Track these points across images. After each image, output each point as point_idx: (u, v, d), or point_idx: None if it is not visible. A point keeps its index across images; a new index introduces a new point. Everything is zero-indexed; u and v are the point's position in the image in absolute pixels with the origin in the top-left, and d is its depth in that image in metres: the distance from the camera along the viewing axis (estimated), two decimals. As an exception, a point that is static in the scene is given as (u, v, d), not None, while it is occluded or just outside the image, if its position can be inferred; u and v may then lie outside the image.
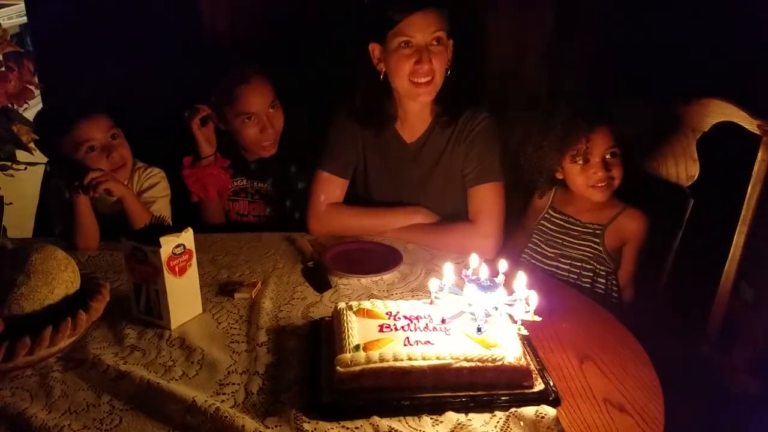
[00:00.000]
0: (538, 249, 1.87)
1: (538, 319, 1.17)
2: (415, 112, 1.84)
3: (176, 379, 1.17)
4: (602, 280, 1.80)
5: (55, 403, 1.12)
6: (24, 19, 4.09)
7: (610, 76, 2.09)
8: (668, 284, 1.83)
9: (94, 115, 1.74)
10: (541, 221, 1.89)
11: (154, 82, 2.04)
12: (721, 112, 1.72)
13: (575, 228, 1.83)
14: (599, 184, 1.75)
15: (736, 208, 1.66)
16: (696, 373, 1.62)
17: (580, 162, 1.75)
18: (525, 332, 1.18)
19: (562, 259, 1.83)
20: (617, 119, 1.75)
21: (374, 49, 1.77)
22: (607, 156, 1.73)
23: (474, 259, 1.28)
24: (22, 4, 4.33)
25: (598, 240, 1.79)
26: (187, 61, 2.07)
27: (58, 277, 1.20)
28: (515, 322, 1.18)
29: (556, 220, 1.86)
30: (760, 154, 1.61)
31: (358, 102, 1.85)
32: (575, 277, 1.80)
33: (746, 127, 1.63)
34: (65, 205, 1.73)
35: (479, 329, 1.16)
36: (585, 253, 1.80)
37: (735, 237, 1.66)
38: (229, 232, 1.87)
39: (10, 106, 1.17)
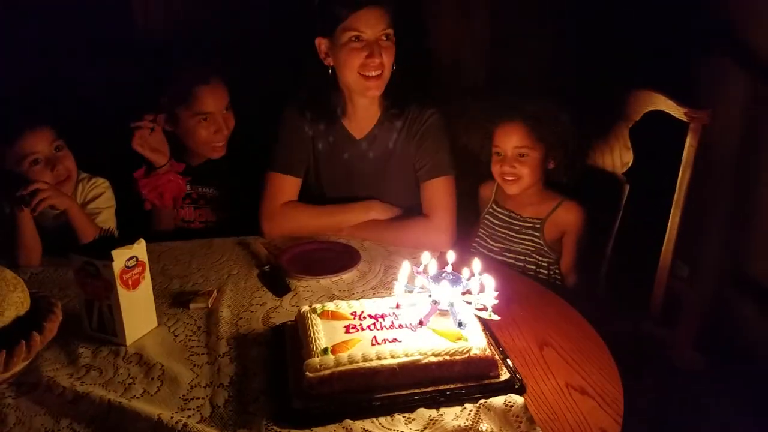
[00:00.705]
0: (484, 243, 1.92)
1: (496, 318, 1.21)
2: (364, 107, 1.85)
3: (137, 397, 1.14)
4: (545, 271, 1.86)
5: (12, 431, 1.07)
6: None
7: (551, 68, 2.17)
8: (610, 267, 1.92)
9: (38, 127, 1.66)
10: (486, 216, 1.95)
11: (90, 87, 1.97)
12: (651, 101, 1.81)
13: (517, 222, 1.88)
14: (507, 178, 1.82)
15: (669, 191, 1.76)
16: (644, 350, 1.70)
17: (497, 152, 1.82)
18: (496, 317, 1.21)
19: (507, 253, 1.88)
20: (532, 118, 1.80)
21: (321, 43, 1.77)
22: (517, 154, 1.79)
23: (425, 257, 1.29)
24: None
25: (538, 234, 1.85)
26: (121, 63, 2.00)
27: (8, 298, 1.14)
28: (485, 309, 1.20)
29: (500, 215, 1.91)
30: (688, 140, 1.70)
31: (305, 98, 1.84)
32: (519, 269, 1.85)
33: (674, 115, 1.72)
34: (4, 221, 1.64)
35: (460, 324, 1.18)
36: (527, 247, 1.86)
37: (670, 219, 1.75)
38: (176, 240, 1.82)
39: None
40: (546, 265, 1.85)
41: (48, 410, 1.11)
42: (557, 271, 1.86)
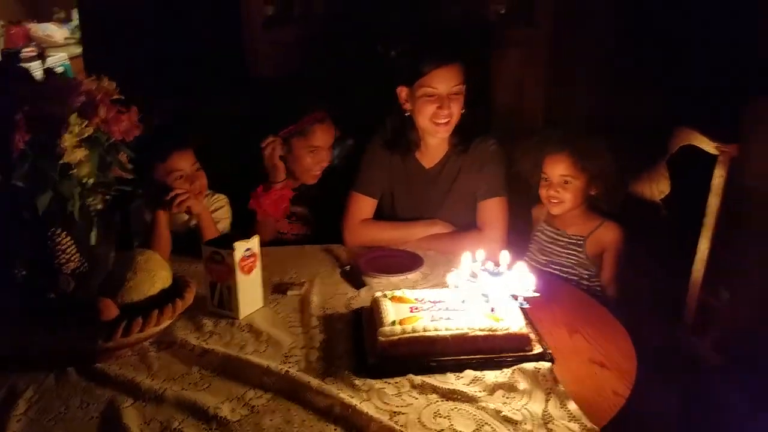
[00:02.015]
0: (533, 256, 2.20)
1: (536, 294, 1.47)
2: (435, 144, 2.18)
3: (250, 354, 1.48)
4: (585, 282, 2.11)
5: (156, 373, 1.42)
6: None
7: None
8: (650, 284, 2.14)
9: (184, 149, 2.08)
10: (536, 233, 2.23)
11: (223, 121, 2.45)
12: (685, 137, 2.06)
13: (562, 239, 2.15)
14: (552, 201, 2.10)
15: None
16: (670, 350, 1.92)
17: (545, 178, 2.11)
18: (537, 294, 1.46)
19: (552, 265, 2.14)
20: (578, 151, 2.07)
21: (402, 91, 2.11)
22: (562, 180, 2.08)
23: (480, 253, 1.57)
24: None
25: (580, 249, 2.11)
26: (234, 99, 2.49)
27: (158, 274, 1.51)
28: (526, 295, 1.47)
29: (548, 233, 2.19)
30: (717, 171, 1.93)
31: (387, 134, 2.20)
32: (562, 280, 2.09)
33: (705, 149, 1.97)
34: (144, 224, 2.06)
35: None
36: (571, 260, 2.12)
37: (700, 241, 1.97)
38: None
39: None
40: (587, 277, 2.11)
41: (182, 360, 1.47)
42: (597, 283, 2.11)
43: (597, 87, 2.56)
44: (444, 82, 2.02)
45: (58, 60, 4.89)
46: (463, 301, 1.53)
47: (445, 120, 2.06)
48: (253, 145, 2.23)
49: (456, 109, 2.06)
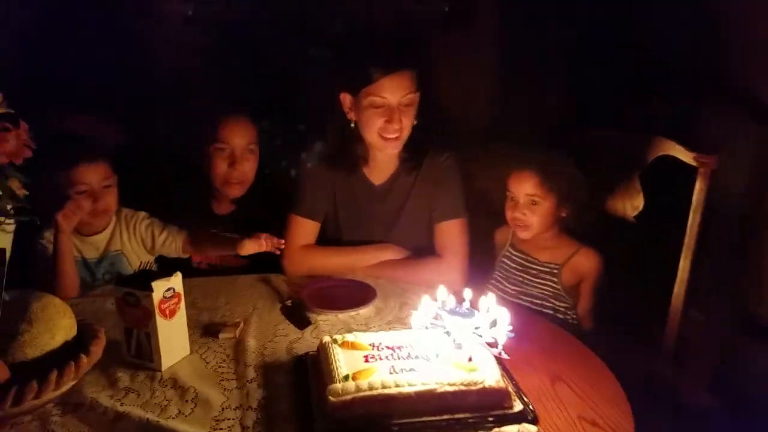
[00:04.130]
0: (500, 286, 1.97)
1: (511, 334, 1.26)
2: (383, 159, 1.95)
3: (173, 418, 1.22)
4: (561, 316, 1.90)
5: (59, 444, 1.15)
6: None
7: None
8: (624, 308, 1.97)
9: (95, 161, 1.81)
10: (502, 258, 2.00)
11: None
12: (661, 147, 1.89)
13: (534, 266, 1.93)
14: (518, 223, 1.89)
15: (680, 235, 1.82)
16: (655, 389, 1.74)
17: (511, 197, 1.91)
18: (506, 356, 1.26)
19: (523, 296, 1.93)
20: (543, 168, 1.88)
21: (345, 98, 1.87)
22: (529, 201, 1.87)
23: (442, 292, 1.35)
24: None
25: (555, 279, 1.89)
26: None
27: (58, 323, 1.24)
28: (496, 345, 1.25)
29: (516, 258, 1.97)
30: (697, 185, 1.77)
31: (329, 147, 1.95)
32: (536, 313, 1.88)
33: (684, 159, 1.80)
34: (47, 259, 1.77)
35: (470, 358, 1.25)
36: (544, 291, 1.90)
37: (681, 261, 1.81)
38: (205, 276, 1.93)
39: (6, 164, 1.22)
40: (563, 309, 1.90)
41: (91, 428, 1.19)
42: (573, 316, 1.90)
43: (549, 90, 2.38)
44: (394, 91, 1.79)
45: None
46: (427, 348, 1.30)
47: (395, 135, 1.83)
48: None
49: (407, 122, 1.83)
